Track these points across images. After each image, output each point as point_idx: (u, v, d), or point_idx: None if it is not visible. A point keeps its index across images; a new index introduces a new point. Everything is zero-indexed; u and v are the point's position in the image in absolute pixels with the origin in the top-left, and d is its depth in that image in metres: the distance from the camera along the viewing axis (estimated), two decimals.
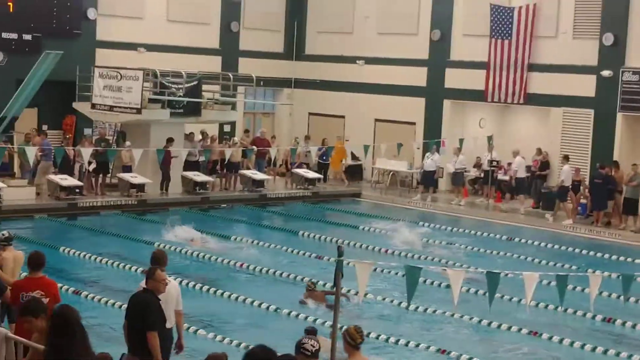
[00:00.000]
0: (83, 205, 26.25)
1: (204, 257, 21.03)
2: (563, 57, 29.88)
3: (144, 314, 10.11)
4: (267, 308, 16.92)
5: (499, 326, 16.32)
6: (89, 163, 27.17)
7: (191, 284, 18.19)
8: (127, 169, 27.90)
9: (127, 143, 28.29)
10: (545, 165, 29.64)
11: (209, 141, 30.54)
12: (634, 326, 16.92)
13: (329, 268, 19.18)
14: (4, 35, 29.47)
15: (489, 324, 16.41)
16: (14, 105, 27.25)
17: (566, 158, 28.24)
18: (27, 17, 29.76)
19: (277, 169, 33.10)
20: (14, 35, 29.65)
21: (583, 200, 27.86)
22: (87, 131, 30.99)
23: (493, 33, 31.00)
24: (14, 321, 10.96)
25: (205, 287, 18.07)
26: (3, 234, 13.37)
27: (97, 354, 8.60)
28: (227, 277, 19.47)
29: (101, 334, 13.95)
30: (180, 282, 18.09)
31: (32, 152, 25.46)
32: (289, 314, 16.59)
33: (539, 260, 22.15)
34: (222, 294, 17.73)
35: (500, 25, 30.74)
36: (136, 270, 18.99)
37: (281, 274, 19.58)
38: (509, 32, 30.73)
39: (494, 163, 30.15)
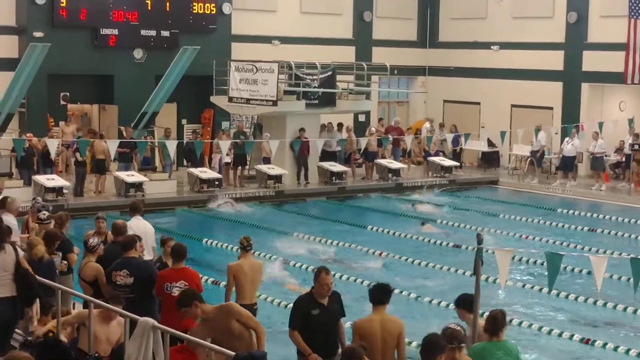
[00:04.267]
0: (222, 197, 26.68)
1: (342, 245, 21.14)
2: None
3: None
4: (417, 298, 16.89)
5: None
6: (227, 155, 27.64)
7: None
8: (267, 160, 28.25)
9: (267, 134, 28.63)
10: None
11: (345, 131, 30.65)
12: None
13: (468, 256, 19.10)
14: (143, 32, 30.15)
15: (635, 311, 16.03)
16: (154, 100, 27.96)
17: None
18: (164, 14, 30.43)
19: (412, 158, 32.95)
20: (153, 32, 30.32)
21: None
22: (225, 124, 31.51)
23: (632, 13, 30.14)
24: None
25: (344, 276, 18.16)
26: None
27: None
28: (361, 266, 19.46)
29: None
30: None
31: (172, 147, 26.04)
32: (430, 301, 16.60)
33: None
34: (361, 281, 17.80)
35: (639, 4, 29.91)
36: (277, 259, 19.22)
37: (419, 263, 19.50)
38: None
39: (635, 147, 29.39)
